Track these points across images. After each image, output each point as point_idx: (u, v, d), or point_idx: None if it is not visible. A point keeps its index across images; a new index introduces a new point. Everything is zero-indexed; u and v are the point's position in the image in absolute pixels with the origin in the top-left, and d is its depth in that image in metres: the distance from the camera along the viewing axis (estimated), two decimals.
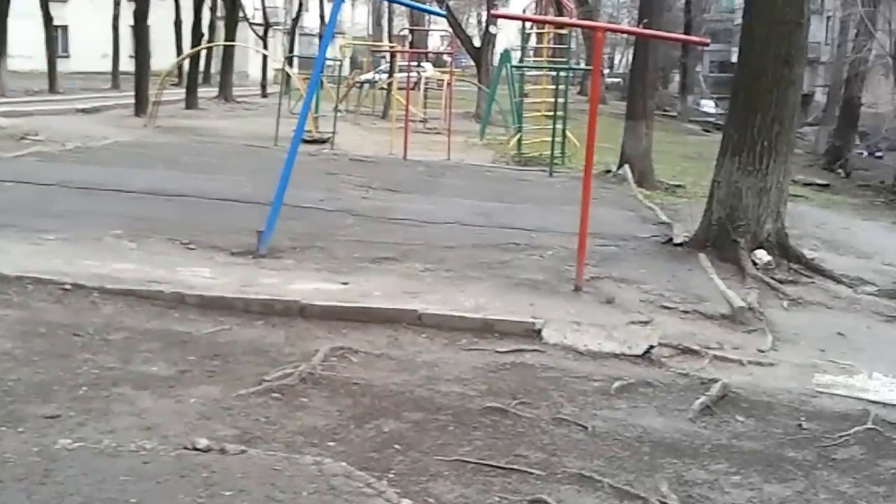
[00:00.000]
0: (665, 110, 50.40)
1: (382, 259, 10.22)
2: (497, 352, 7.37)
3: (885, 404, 7.15)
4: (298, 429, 5.61)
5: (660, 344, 7.82)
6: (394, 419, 5.84)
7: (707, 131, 43.92)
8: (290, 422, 5.72)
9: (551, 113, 21.73)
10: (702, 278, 10.25)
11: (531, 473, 5.13)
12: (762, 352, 8.33)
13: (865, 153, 40.14)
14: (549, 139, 20.81)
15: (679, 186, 19.94)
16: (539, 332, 7.84)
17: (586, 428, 5.82)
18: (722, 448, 5.74)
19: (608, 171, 19.42)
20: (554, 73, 23.83)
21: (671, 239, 11.89)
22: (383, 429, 5.68)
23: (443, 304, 8.39)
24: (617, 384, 6.71)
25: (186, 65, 36.30)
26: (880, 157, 39.77)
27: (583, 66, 37.47)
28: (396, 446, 5.43)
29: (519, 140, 23.25)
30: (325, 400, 6.11)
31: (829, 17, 55.56)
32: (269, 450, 5.25)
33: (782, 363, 7.99)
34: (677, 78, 64.85)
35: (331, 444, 5.43)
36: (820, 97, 46.92)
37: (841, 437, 6.10)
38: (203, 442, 5.14)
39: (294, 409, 5.94)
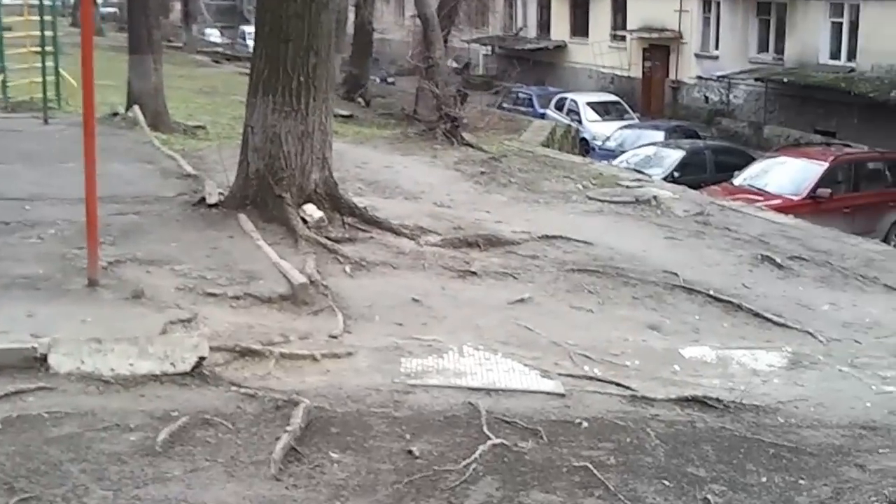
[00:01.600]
0: (169, 41, 47.70)
1: None
2: None
3: (488, 391, 6.10)
4: None
5: (212, 349, 6.11)
6: None
7: (217, 62, 41.99)
8: None
9: (40, 49, 18.72)
10: (248, 247, 8.61)
11: None
12: (335, 338, 6.98)
13: (378, 80, 40.72)
14: (41, 79, 17.89)
15: (199, 127, 18.02)
16: (44, 358, 5.76)
17: None
18: None
19: (115, 114, 17.00)
20: (38, 3, 20.66)
21: (203, 198, 10.05)
22: None
23: None
24: (164, 434, 4.88)
25: None
26: (392, 84, 40.57)
27: None
28: None
29: (3, 82, 19.95)
30: None
31: None
32: None
33: (360, 350, 6.69)
34: (178, 6, 61.98)
35: None
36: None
37: (466, 466, 4.82)
38: None
39: None
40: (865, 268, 10.09)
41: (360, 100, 31.05)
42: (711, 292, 8.69)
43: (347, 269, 8.51)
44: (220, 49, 53.08)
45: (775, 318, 8.22)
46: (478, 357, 6.81)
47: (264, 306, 7.29)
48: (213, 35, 64.62)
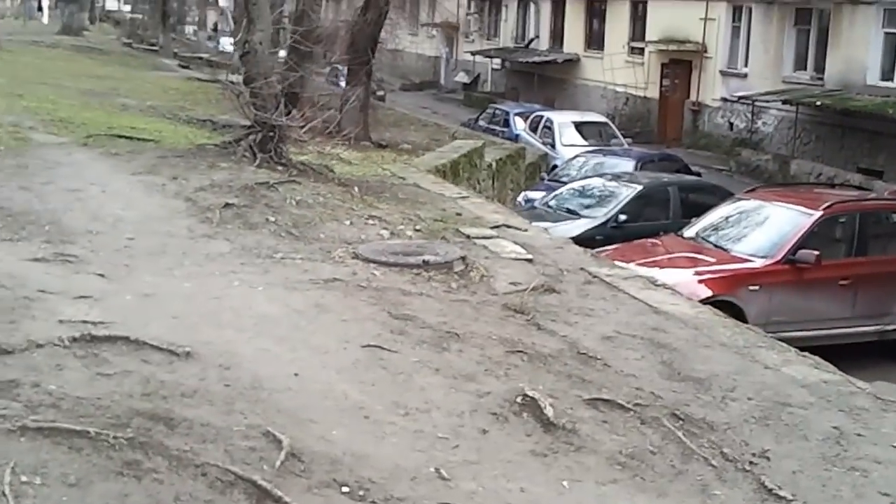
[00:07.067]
0: (151, 44, 44.42)
1: None
2: None
3: None
4: None
5: None
6: None
7: (183, 66, 38.09)
8: None
9: None
10: None
11: None
12: None
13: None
14: None
15: None
16: None
17: None
18: None
19: None
20: None
21: None
22: None
23: None
24: None
25: None
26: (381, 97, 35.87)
27: None
28: None
29: None
30: None
31: None
32: None
33: None
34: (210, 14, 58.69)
35: None
36: None
37: None
38: None
39: None
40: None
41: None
42: None
43: None
44: (206, 56, 49.61)
45: None
46: None
47: None
48: (228, 44, 61.69)
